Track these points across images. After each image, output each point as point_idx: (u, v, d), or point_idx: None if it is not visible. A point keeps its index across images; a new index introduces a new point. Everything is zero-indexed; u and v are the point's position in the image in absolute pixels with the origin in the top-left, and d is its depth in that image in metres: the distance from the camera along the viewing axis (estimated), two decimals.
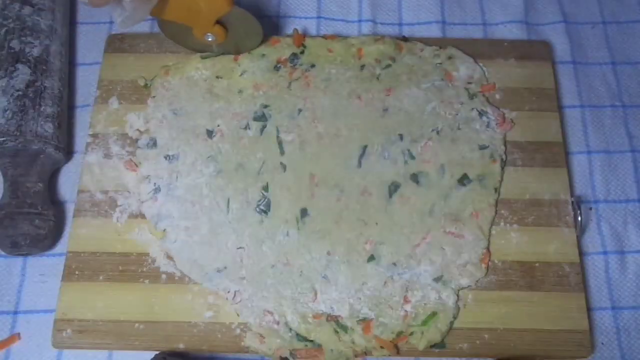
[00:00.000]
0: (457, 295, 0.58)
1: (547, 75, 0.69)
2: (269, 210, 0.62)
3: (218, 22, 0.63)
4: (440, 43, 0.70)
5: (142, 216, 0.62)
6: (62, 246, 0.63)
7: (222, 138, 0.65)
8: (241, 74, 0.68)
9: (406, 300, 0.58)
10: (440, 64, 0.68)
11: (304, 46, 0.69)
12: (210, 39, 0.65)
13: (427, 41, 0.70)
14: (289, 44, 0.69)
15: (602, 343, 0.60)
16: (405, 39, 0.70)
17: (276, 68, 0.68)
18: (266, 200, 0.62)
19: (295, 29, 0.70)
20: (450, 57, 0.69)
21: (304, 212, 0.61)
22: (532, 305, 0.58)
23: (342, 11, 0.76)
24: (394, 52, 0.69)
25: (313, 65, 0.68)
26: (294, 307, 0.58)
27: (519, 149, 0.65)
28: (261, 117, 0.66)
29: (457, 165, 0.63)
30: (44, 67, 0.66)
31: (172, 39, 0.68)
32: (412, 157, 0.64)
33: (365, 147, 0.64)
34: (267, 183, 0.63)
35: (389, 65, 0.68)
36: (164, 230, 0.61)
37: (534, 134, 0.66)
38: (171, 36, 0.68)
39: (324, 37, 0.70)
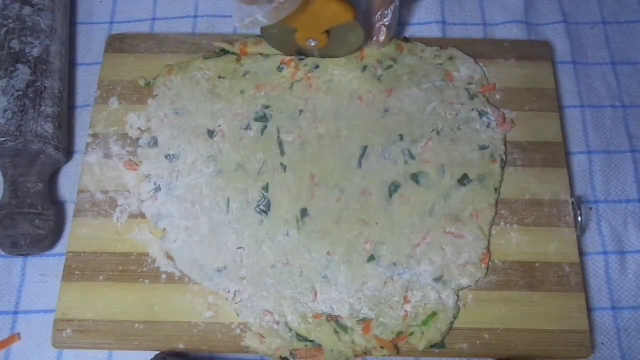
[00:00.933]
0: (457, 295, 0.58)
1: (547, 75, 0.69)
2: (269, 210, 0.62)
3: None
4: (440, 43, 0.70)
5: (142, 216, 0.62)
6: (62, 246, 0.63)
7: (223, 138, 0.65)
8: (244, 75, 0.68)
9: (406, 300, 0.58)
10: (441, 64, 0.68)
11: None
12: (312, 44, 0.65)
13: (427, 41, 0.70)
14: None
15: (602, 343, 0.61)
16: (406, 39, 0.70)
17: (279, 69, 0.68)
18: (266, 200, 0.62)
19: None
20: (450, 58, 0.69)
21: (304, 212, 0.61)
22: (532, 305, 0.58)
23: None
24: (395, 52, 0.69)
25: (317, 66, 0.68)
26: (293, 307, 0.58)
27: (519, 149, 0.65)
28: (262, 118, 0.66)
29: (457, 165, 0.63)
30: (44, 67, 0.66)
31: (269, 42, 0.68)
32: (412, 157, 0.64)
33: (365, 147, 0.64)
34: (267, 183, 0.63)
35: (390, 66, 0.68)
36: (164, 229, 0.61)
37: (534, 134, 0.66)
38: (269, 39, 0.67)
39: None
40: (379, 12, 0.66)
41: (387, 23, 0.66)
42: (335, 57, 0.68)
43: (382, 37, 0.67)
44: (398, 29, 0.75)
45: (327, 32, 0.63)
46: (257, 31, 0.74)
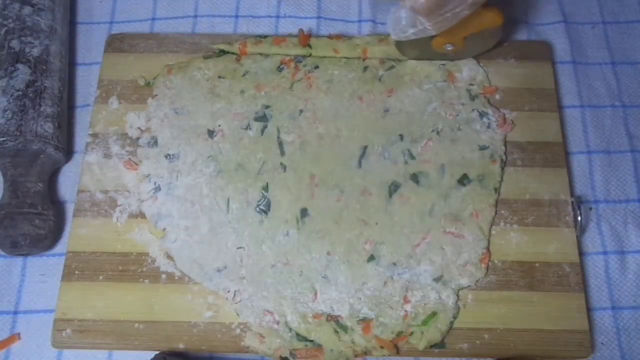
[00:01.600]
0: (457, 295, 0.58)
1: (547, 75, 0.69)
2: (269, 210, 0.62)
3: None
4: None
5: (142, 216, 0.62)
6: (62, 246, 0.63)
7: (223, 138, 0.65)
8: (244, 74, 0.68)
9: (406, 300, 0.58)
10: (443, 64, 0.68)
11: (310, 46, 0.69)
12: (449, 49, 0.65)
13: None
14: (295, 44, 0.69)
15: (602, 343, 0.60)
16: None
17: (279, 69, 0.68)
18: (266, 200, 0.62)
19: (301, 29, 0.70)
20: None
21: (304, 212, 0.61)
22: (532, 305, 0.58)
23: (342, 11, 0.76)
24: (396, 52, 0.69)
25: (317, 67, 0.68)
26: (294, 307, 0.58)
27: (519, 149, 0.65)
28: (262, 118, 0.66)
29: (457, 166, 0.63)
30: (44, 67, 0.66)
31: (399, 48, 0.67)
32: (412, 157, 0.64)
33: (365, 147, 0.64)
34: (267, 183, 0.63)
35: (392, 67, 0.68)
36: (164, 229, 0.61)
37: (534, 134, 0.66)
38: (400, 45, 0.66)
39: (329, 37, 0.70)
40: None
41: None
42: (464, 58, 0.68)
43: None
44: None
45: (466, 36, 0.63)
46: (259, 31, 0.74)
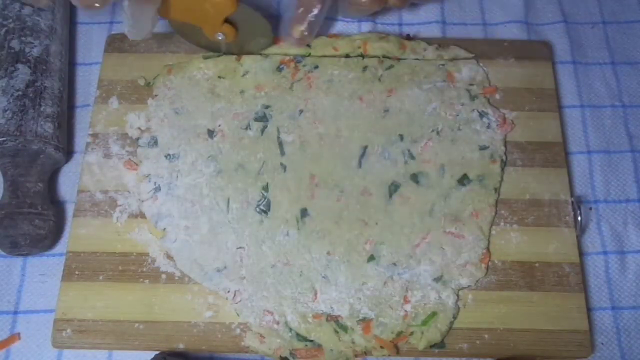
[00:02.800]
0: (457, 295, 0.58)
1: (547, 75, 0.69)
2: (269, 210, 0.62)
3: (228, 21, 0.63)
4: (441, 43, 0.70)
5: (142, 216, 0.62)
6: (62, 246, 0.63)
7: (223, 138, 0.65)
8: (243, 75, 0.68)
9: (406, 300, 0.58)
10: (443, 64, 0.68)
11: (309, 45, 0.69)
12: (220, 38, 0.65)
13: (427, 41, 0.70)
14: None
15: (602, 343, 0.60)
16: (409, 37, 0.70)
17: (279, 69, 0.68)
18: (266, 200, 0.62)
19: None
20: (454, 58, 0.69)
21: (304, 212, 0.61)
22: (532, 305, 0.58)
23: None
24: (398, 51, 0.69)
25: (316, 67, 0.68)
26: (294, 307, 0.58)
27: (519, 149, 0.65)
28: (262, 118, 0.66)
29: (457, 166, 0.63)
30: (44, 67, 0.66)
31: (184, 37, 0.68)
32: (412, 158, 0.64)
33: (365, 147, 0.64)
34: (267, 183, 0.63)
35: (391, 67, 0.68)
36: (164, 229, 0.61)
37: (534, 134, 0.66)
38: (182, 34, 0.68)
39: (328, 36, 0.70)
40: (303, 5, 0.63)
41: (312, 19, 0.63)
42: (248, 53, 0.69)
43: (297, 33, 0.64)
44: (400, 28, 0.75)
45: (234, 26, 0.63)
46: None
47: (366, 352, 0.57)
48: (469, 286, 0.59)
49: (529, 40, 0.74)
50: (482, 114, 0.66)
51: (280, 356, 0.57)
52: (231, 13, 0.61)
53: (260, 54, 0.69)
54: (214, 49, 0.69)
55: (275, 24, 0.75)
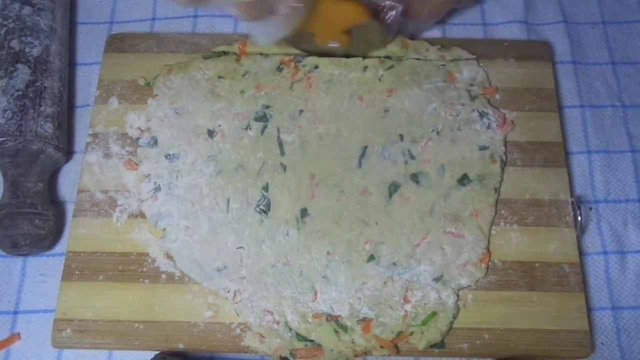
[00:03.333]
0: (457, 295, 0.58)
1: (547, 75, 0.69)
2: (269, 210, 0.62)
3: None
4: (441, 43, 0.70)
5: (142, 216, 0.62)
6: (62, 246, 0.63)
7: (223, 138, 0.65)
8: (244, 75, 0.68)
9: (406, 300, 0.58)
10: (444, 65, 0.68)
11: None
12: (334, 46, 0.64)
13: (429, 41, 0.70)
14: None
15: (602, 343, 0.60)
16: (411, 37, 0.70)
17: (279, 69, 0.68)
18: (266, 200, 0.62)
19: None
20: (456, 59, 0.69)
21: (304, 212, 0.61)
22: (532, 305, 0.58)
23: None
24: (400, 51, 0.69)
25: (316, 67, 0.68)
26: (294, 306, 0.58)
27: (519, 149, 0.65)
28: (262, 118, 0.66)
29: (457, 166, 0.63)
30: (44, 67, 0.66)
31: (292, 44, 0.67)
32: (412, 157, 0.64)
33: (365, 147, 0.64)
34: (267, 183, 0.63)
35: (391, 67, 0.68)
36: (164, 229, 0.61)
37: (534, 134, 0.66)
38: (291, 42, 0.67)
39: None
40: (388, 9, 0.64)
41: (389, 21, 0.64)
42: (361, 56, 0.68)
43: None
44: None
45: (348, 32, 0.62)
46: None
47: (366, 352, 0.57)
48: (469, 286, 0.59)
49: (529, 40, 0.74)
50: (482, 114, 0.66)
51: (280, 356, 0.57)
52: (359, 22, 0.60)
53: (260, 54, 0.69)
54: (323, 53, 0.68)
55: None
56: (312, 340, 0.57)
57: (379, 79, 0.68)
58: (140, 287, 0.59)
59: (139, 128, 0.66)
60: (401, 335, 0.57)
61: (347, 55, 0.68)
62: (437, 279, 0.59)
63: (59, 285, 0.59)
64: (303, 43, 0.67)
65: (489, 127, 0.65)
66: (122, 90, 0.68)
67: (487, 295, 0.59)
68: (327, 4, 0.58)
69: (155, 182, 0.63)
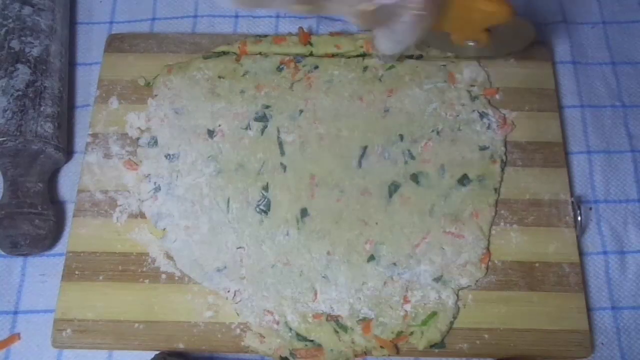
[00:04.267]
0: (457, 295, 0.58)
1: (547, 75, 0.69)
2: (269, 210, 0.62)
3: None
4: None
5: (142, 216, 0.62)
6: (62, 246, 0.63)
7: (223, 138, 0.65)
8: (244, 75, 0.68)
9: (406, 300, 0.58)
10: (444, 65, 0.68)
11: (310, 44, 0.69)
12: (472, 44, 0.62)
13: None
14: (295, 43, 0.69)
15: (602, 343, 0.60)
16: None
17: (279, 69, 0.68)
18: (266, 200, 0.62)
19: (301, 27, 0.70)
20: (455, 59, 0.69)
21: (304, 212, 0.61)
22: (532, 305, 0.58)
23: None
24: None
25: (317, 67, 0.68)
26: (294, 306, 0.58)
27: (519, 149, 0.65)
28: (262, 118, 0.66)
29: (457, 166, 0.63)
30: (44, 67, 0.66)
31: (429, 44, 0.66)
32: (412, 158, 0.64)
33: (365, 147, 0.64)
34: (267, 183, 0.63)
35: (392, 67, 0.68)
36: (164, 229, 0.61)
37: (534, 134, 0.66)
38: (427, 41, 0.65)
39: (331, 34, 0.70)
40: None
41: None
42: (501, 56, 0.66)
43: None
44: None
45: (489, 30, 0.59)
46: (259, 31, 0.74)
47: (366, 352, 0.57)
48: (469, 286, 0.59)
49: None
50: (482, 115, 0.66)
51: (280, 356, 0.57)
52: (502, 23, 0.57)
53: (261, 54, 0.69)
54: (458, 53, 0.67)
55: (274, 24, 0.75)
56: (312, 340, 0.57)
57: (379, 79, 0.68)
58: (140, 287, 0.59)
59: (139, 128, 0.66)
60: (401, 335, 0.57)
61: (489, 56, 0.66)
62: (437, 279, 0.59)
63: (59, 285, 0.59)
64: (437, 42, 0.65)
65: (489, 127, 0.65)
66: (122, 90, 0.68)
67: (487, 295, 0.59)
68: (467, 2, 0.55)
69: (155, 182, 0.63)
